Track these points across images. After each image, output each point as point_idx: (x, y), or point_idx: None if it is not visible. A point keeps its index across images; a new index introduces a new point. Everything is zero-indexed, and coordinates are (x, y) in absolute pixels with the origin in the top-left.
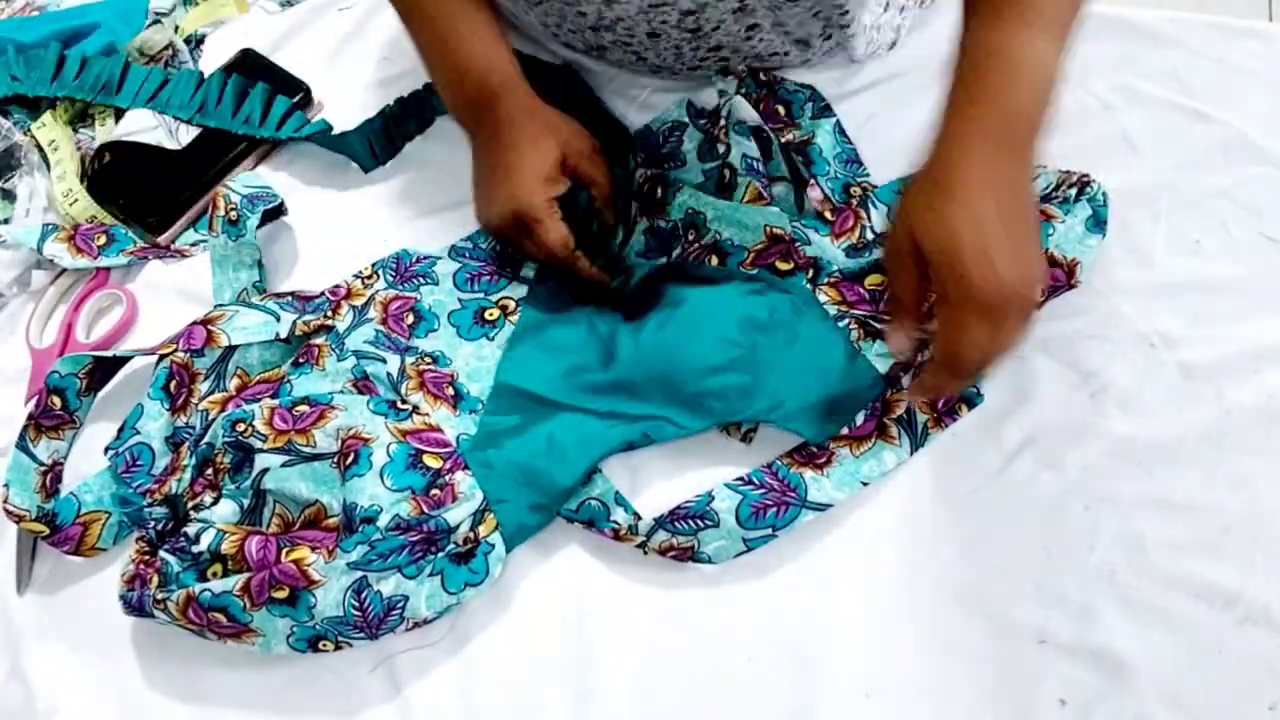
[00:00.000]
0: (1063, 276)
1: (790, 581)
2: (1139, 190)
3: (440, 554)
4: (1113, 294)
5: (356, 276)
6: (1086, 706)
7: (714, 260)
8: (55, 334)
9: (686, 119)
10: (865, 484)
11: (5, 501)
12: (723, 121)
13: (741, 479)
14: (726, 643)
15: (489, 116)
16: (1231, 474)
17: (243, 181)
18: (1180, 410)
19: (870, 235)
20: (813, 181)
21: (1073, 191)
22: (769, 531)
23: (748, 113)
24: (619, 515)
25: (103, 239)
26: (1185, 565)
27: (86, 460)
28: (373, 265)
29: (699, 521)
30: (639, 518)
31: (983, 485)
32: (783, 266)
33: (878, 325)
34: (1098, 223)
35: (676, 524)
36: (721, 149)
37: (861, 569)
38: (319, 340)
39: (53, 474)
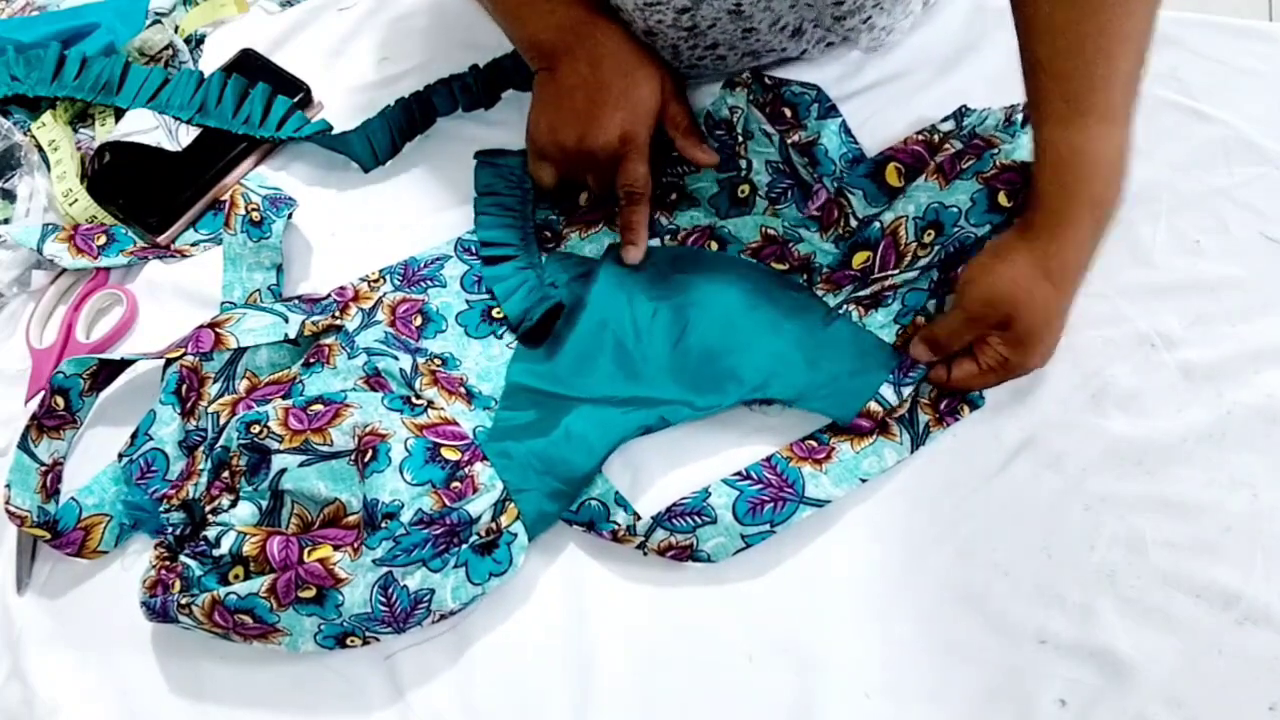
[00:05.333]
0: (1017, 177)
1: (790, 581)
2: (1139, 190)
3: (464, 546)
4: (1113, 294)
5: (363, 280)
6: (1086, 706)
7: (714, 245)
8: (55, 334)
9: (703, 129)
10: (864, 480)
11: (7, 503)
12: (739, 136)
13: (739, 474)
14: (726, 642)
15: (589, 39)
16: (1231, 474)
17: (256, 183)
18: (1180, 410)
19: (854, 223)
20: (814, 193)
21: (1019, 117)
22: (767, 528)
23: (755, 114)
24: (619, 516)
25: (103, 239)
26: (1185, 565)
27: (85, 461)
28: (380, 271)
29: (696, 518)
30: (638, 518)
31: (983, 485)
32: (778, 267)
33: (869, 294)
34: None
35: (674, 521)
36: (743, 164)
37: (861, 568)
38: (329, 340)
39: (53, 474)
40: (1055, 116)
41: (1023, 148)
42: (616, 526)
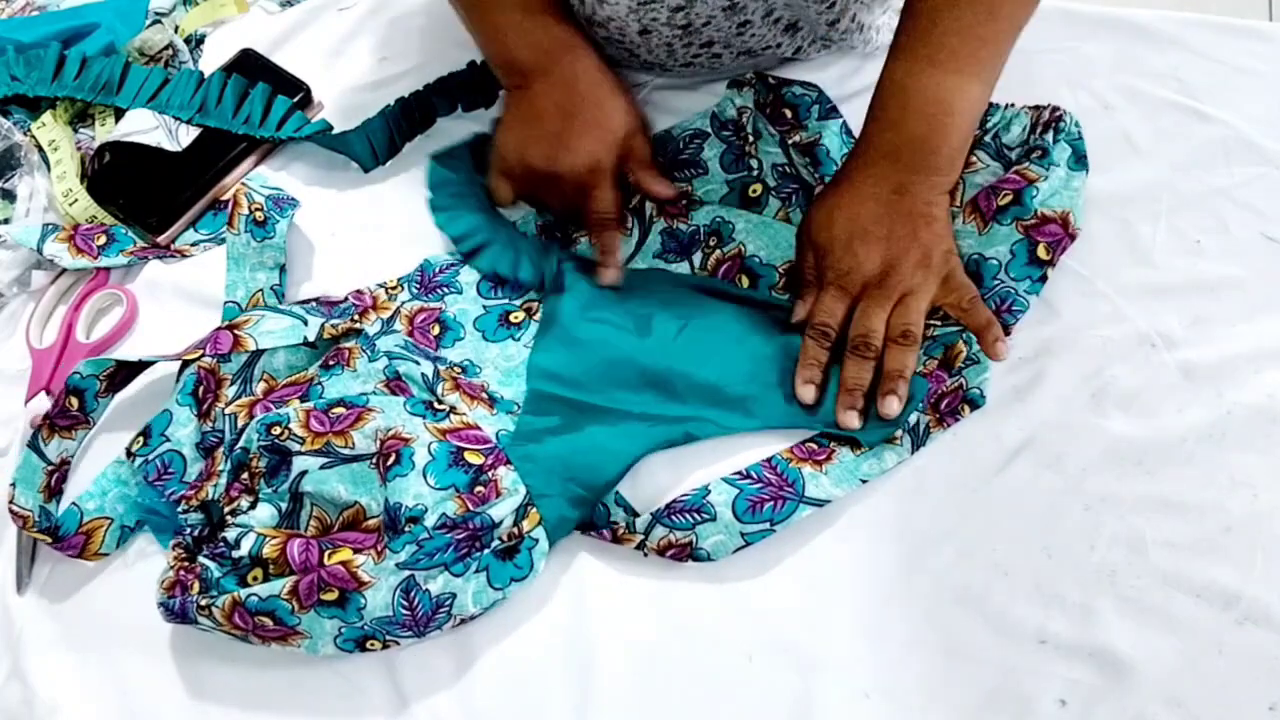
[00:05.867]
0: (1060, 230)
1: (790, 581)
2: (1139, 190)
3: (486, 550)
4: (1113, 294)
5: (380, 286)
6: (1086, 706)
7: (745, 281)
8: (55, 334)
9: (709, 129)
10: (864, 481)
11: (11, 502)
12: (749, 135)
13: (739, 473)
14: (726, 642)
15: (566, 62)
16: (1231, 474)
17: (259, 183)
18: (1180, 410)
19: None
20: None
21: (1049, 135)
22: (766, 526)
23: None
24: (618, 515)
25: (103, 239)
26: (1185, 565)
27: (87, 462)
28: (398, 279)
29: (696, 515)
30: (637, 515)
31: (982, 485)
32: None
33: None
34: (1078, 159)
35: (673, 518)
36: (755, 165)
37: (861, 568)
38: (349, 343)
39: (59, 473)
40: (893, 55)
41: (1061, 186)
42: (616, 525)
